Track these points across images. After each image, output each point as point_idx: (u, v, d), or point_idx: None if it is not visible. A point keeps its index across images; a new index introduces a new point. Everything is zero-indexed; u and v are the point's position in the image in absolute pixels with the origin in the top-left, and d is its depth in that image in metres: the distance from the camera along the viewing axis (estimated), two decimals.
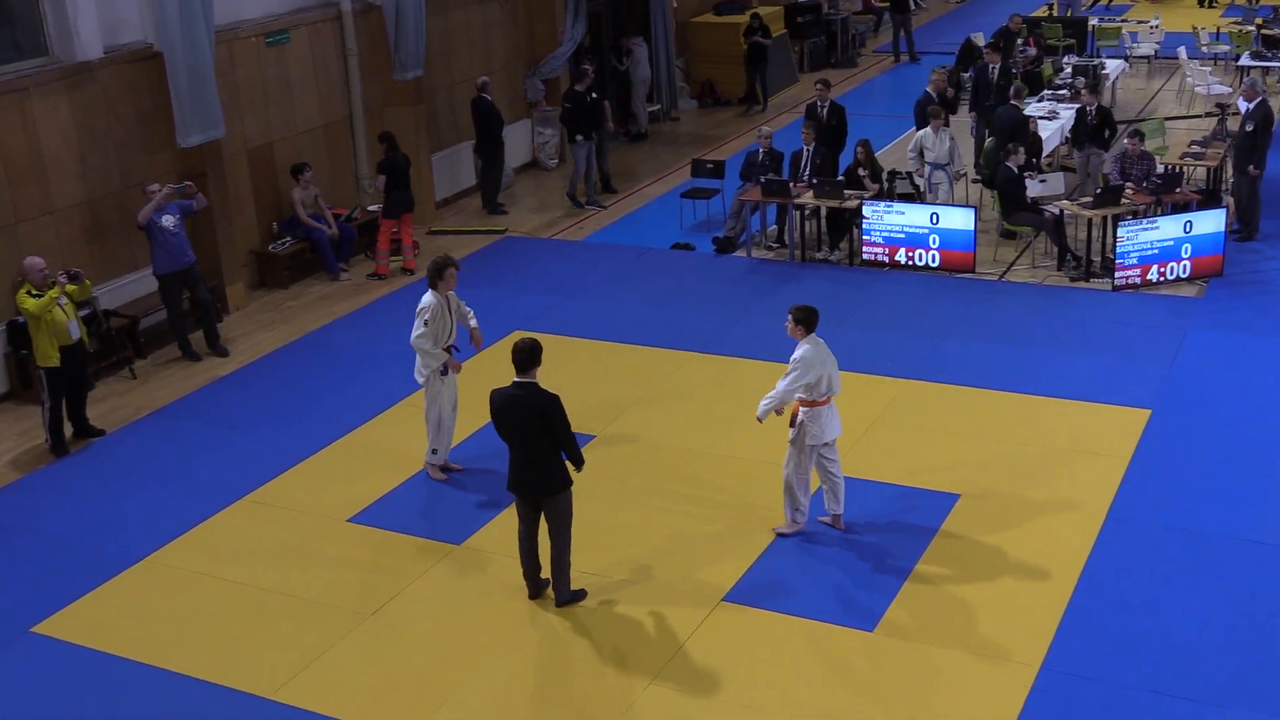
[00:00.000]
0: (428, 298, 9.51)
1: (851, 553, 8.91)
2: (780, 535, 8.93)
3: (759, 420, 8.67)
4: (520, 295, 14.29)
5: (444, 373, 9.69)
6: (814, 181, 14.62)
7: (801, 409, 8.65)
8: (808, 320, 8.68)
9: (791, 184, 14.77)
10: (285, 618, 8.48)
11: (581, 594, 8.20)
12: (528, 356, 7.96)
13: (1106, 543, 8.84)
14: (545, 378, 11.77)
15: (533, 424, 7.81)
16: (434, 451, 9.88)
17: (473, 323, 9.82)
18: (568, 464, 8.02)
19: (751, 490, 9.75)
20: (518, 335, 13.19)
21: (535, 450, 7.85)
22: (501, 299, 14.14)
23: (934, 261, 14.17)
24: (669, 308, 13.79)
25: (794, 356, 8.60)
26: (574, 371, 12.16)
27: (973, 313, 13.08)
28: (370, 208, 16.26)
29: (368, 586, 8.76)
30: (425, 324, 9.46)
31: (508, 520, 9.41)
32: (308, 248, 15.20)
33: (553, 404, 7.84)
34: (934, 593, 8.40)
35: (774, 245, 15.36)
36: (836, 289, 14.04)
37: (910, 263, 14.29)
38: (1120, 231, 13.26)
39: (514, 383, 7.95)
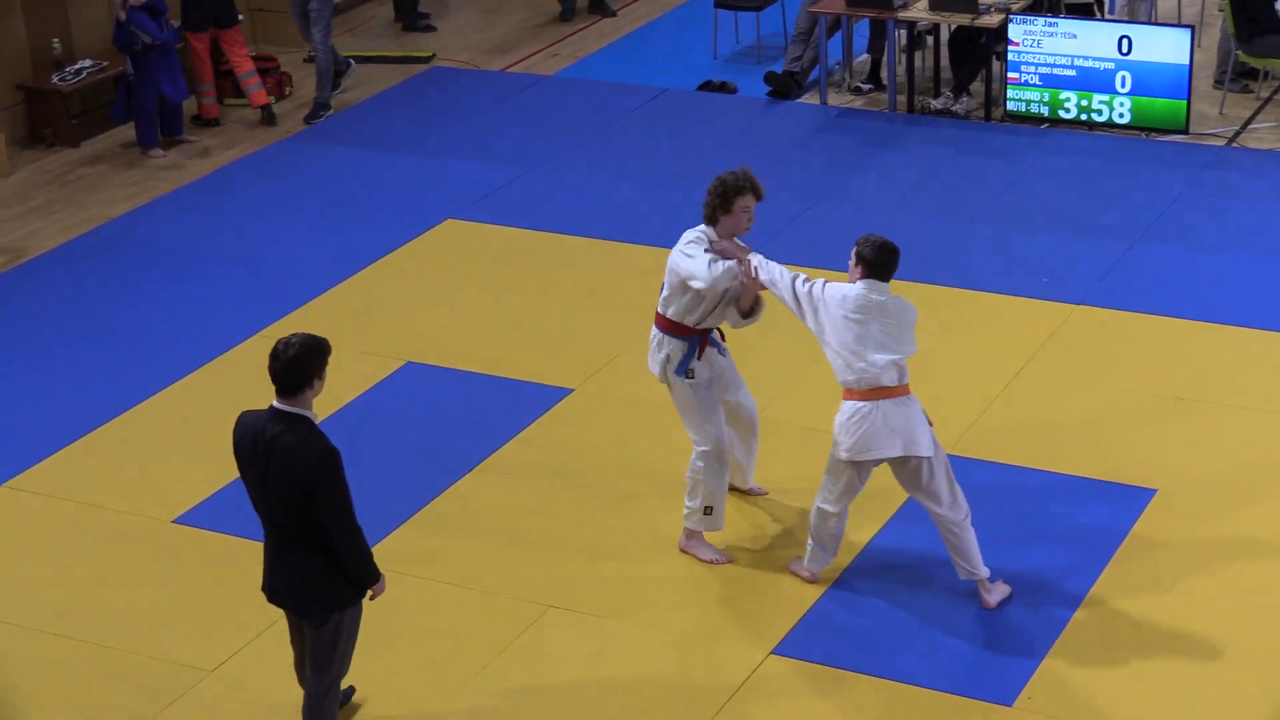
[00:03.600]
0: (696, 234, 8.78)
1: (976, 585, 8.90)
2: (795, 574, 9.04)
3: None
4: (454, 164, 14.29)
5: (686, 371, 8.88)
6: None
7: (843, 403, 8.53)
8: (877, 262, 8.46)
9: None
10: (79, 676, 8.59)
11: None
12: (294, 368, 7.23)
13: None
14: (486, 301, 11.98)
15: (284, 488, 7.24)
16: (708, 510, 9.07)
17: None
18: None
19: (814, 478, 9.72)
20: (444, 232, 13.22)
21: (288, 532, 7.38)
22: (425, 170, 14.15)
23: (1124, 115, 14.09)
24: (691, 186, 13.64)
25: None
26: (538, 287, 12.11)
27: (1185, 199, 13.04)
28: None
29: (206, 625, 8.92)
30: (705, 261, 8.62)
31: (429, 520, 9.58)
32: (113, 83, 15.04)
33: (325, 465, 7.18)
34: (1104, 652, 8.43)
35: (863, 87, 15.32)
36: (963, 160, 13.94)
37: (1085, 117, 14.19)
38: None
39: (271, 409, 7.32)
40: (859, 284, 8.44)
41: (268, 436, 7.26)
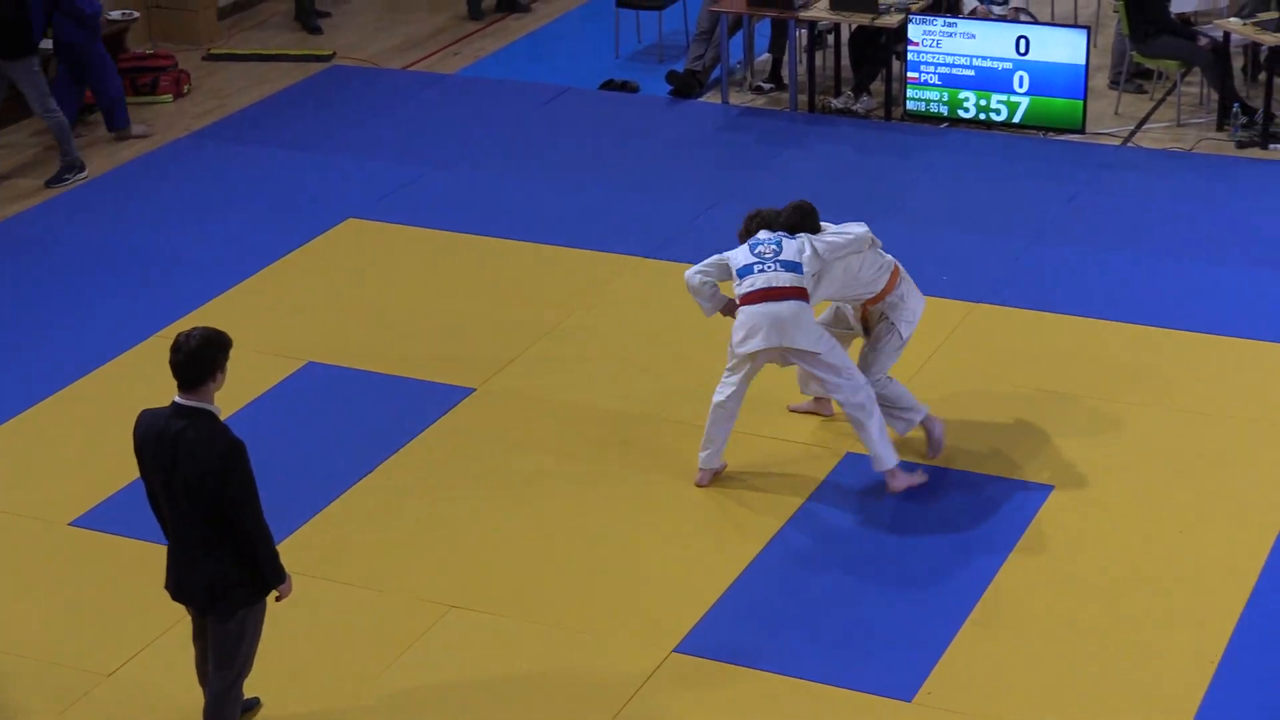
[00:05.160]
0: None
1: (877, 580, 9.00)
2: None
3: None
4: (355, 163, 14.21)
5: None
6: None
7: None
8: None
9: None
10: None
11: None
12: (195, 360, 7.21)
13: None
14: (388, 300, 11.96)
15: (191, 485, 7.19)
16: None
17: None
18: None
19: (721, 480, 9.80)
20: (345, 231, 13.15)
21: (195, 530, 7.35)
22: (326, 170, 14.06)
23: (1021, 114, 14.18)
24: (596, 185, 13.69)
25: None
26: (440, 287, 12.07)
27: (1081, 198, 13.13)
28: None
29: (104, 629, 8.83)
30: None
31: (330, 521, 9.53)
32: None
33: (232, 458, 7.15)
34: (1002, 645, 8.49)
35: (764, 86, 15.35)
36: (864, 159, 13.98)
37: (983, 117, 14.28)
38: None
39: (173, 404, 7.26)
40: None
41: (172, 433, 7.19)
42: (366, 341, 11.32)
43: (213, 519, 7.23)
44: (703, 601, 8.79)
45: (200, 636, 7.70)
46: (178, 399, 7.22)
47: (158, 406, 7.35)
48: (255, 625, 7.54)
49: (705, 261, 9.54)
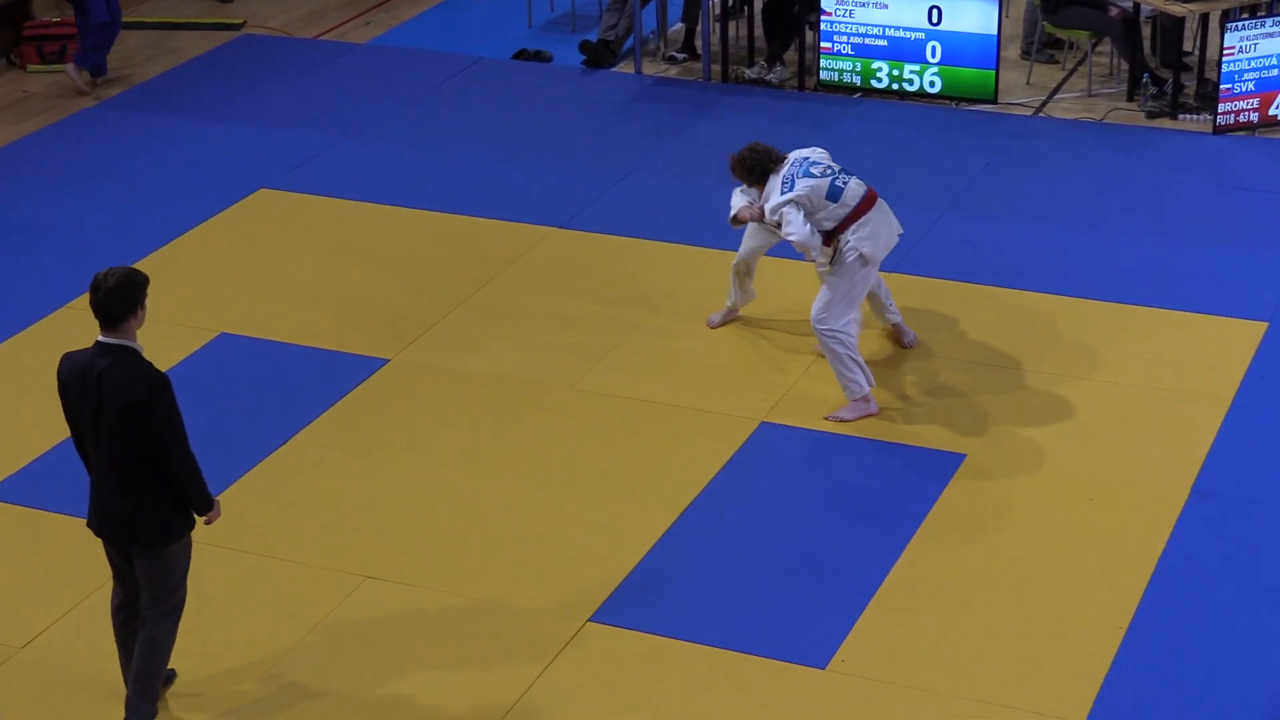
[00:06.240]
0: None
1: (791, 548, 9.08)
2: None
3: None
4: (267, 133, 14.17)
5: None
6: None
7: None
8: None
9: None
10: None
11: None
12: (115, 298, 7.37)
13: (1187, 533, 9.10)
14: (301, 271, 11.96)
15: (116, 420, 7.33)
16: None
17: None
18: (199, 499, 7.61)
19: (635, 450, 9.87)
20: (257, 202, 13.10)
21: (121, 465, 7.45)
22: (237, 140, 14.01)
23: (934, 85, 14.30)
24: (509, 155, 13.72)
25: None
26: (353, 257, 12.07)
27: (993, 169, 13.27)
28: None
29: (13, 602, 8.83)
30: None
31: (243, 492, 9.51)
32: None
33: (157, 390, 7.31)
34: (915, 613, 8.58)
35: (678, 56, 15.41)
36: (777, 129, 14.06)
37: (896, 87, 14.39)
38: (1229, 39, 13.43)
39: (97, 343, 7.40)
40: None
41: (97, 370, 7.32)
42: (279, 312, 11.32)
43: (138, 452, 7.34)
44: (618, 571, 8.86)
45: (123, 582, 7.76)
46: (101, 338, 7.34)
47: (80, 350, 7.44)
48: (182, 564, 7.64)
49: (790, 211, 9.74)
